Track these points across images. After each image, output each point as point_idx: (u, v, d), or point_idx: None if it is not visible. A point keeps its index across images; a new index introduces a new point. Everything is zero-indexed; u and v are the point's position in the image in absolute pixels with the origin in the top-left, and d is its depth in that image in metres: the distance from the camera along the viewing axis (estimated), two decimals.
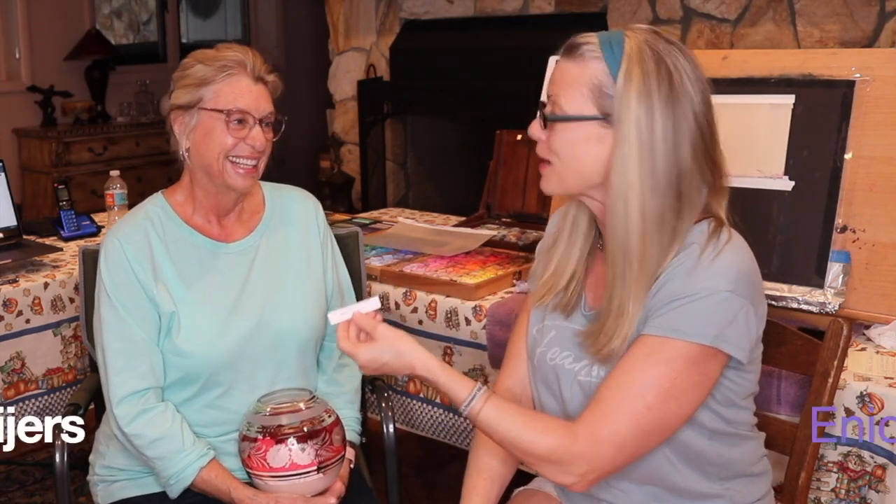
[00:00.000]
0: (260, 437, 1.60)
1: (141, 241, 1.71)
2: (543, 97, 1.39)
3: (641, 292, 1.32)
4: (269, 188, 1.86)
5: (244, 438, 1.63)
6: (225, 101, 1.66)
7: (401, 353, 1.41)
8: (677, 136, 1.30)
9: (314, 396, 1.69)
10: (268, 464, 1.58)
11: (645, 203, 1.30)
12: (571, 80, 1.34)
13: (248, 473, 1.64)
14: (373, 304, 1.46)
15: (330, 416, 1.65)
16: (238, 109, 1.66)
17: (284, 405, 1.63)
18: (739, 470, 1.43)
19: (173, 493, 1.67)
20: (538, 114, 1.38)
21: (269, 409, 1.63)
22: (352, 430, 1.80)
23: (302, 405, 1.63)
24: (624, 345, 1.33)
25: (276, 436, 1.59)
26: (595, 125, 1.33)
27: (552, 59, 2.22)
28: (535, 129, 1.39)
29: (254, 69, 1.69)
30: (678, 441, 1.37)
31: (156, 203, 1.77)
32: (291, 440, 1.58)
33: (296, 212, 1.84)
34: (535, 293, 1.51)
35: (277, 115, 1.72)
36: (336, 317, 1.46)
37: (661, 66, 1.31)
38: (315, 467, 1.59)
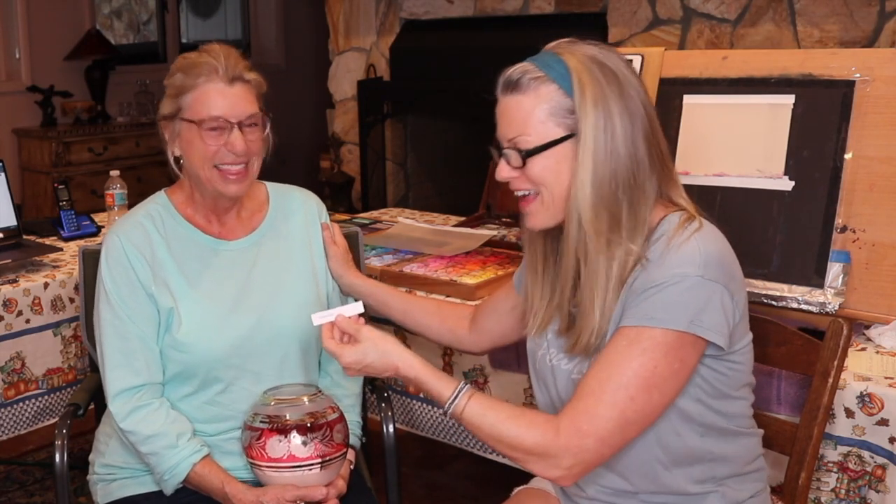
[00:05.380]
0: (262, 427, 1.60)
1: (141, 239, 1.71)
2: (502, 139, 1.40)
3: (602, 289, 1.35)
4: (273, 188, 1.86)
5: (247, 428, 1.64)
6: (197, 111, 1.65)
7: (384, 352, 1.45)
8: (634, 130, 1.35)
9: (320, 391, 1.70)
10: (267, 454, 1.59)
11: (599, 205, 1.34)
12: (529, 110, 1.36)
13: (249, 464, 1.65)
14: (357, 308, 1.53)
15: (334, 413, 1.65)
16: (211, 117, 1.64)
17: (289, 398, 1.65)
18: (732, 469, 1.43)
19: (168, 489, 1.67)
20: (501, 156, 1.40)
21: (273, 401, 1.64)
22: (353, 434, 1.79)
23: (306, 399, 1.64)
24: (593, 338, 1.36)
25: (279, 427, 1.59)
26: (566, 145, 1.35)
27: None
28: (505, 170, 1.41)
29: (227, 71, 1.64)
30: (669, 439, 1.38)
31: (158, 201, 1.78)
32: (293, 432, 1.59)
33: (298, 212, 1.85)
34: (535, 326, 1.51)
35: (264, 113, 1.70)
36: (319, 318, 1.52)
37: (604, 68, 1.35)
38: (315, 461, 1.59)
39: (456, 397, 1.38)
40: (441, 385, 1.41)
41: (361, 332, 1.48)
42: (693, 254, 1.31)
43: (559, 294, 1.45)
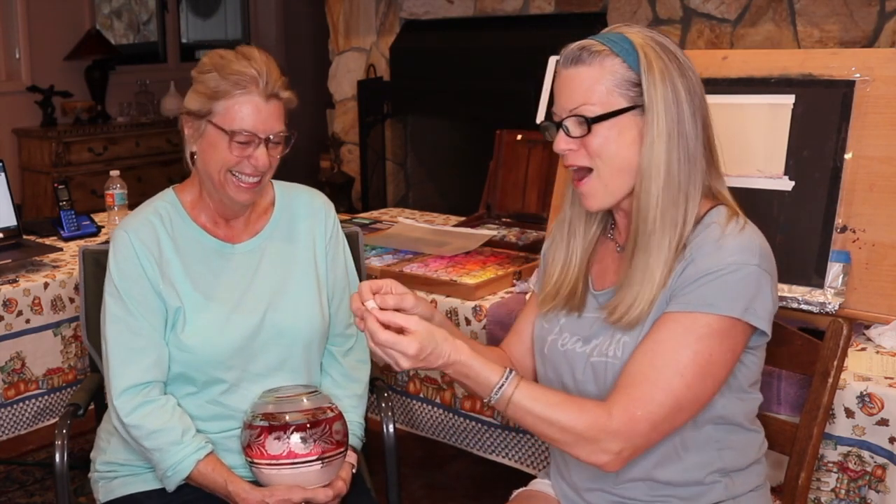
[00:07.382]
0: (261, 425, 1.61)
1: (149, 236, 1.71)
2: (562, 111, 1.40)
3: (663, 257, 1.37)
4: (280, 188, 1.86)
5: (246, 427, 1.65)
6: (231, 121, 1.64)
7: (443, 338, 1.35)
8: (694, 109, 1.38)
9: (318, 391, 1.72)
10: (266, 452, 1.60)
11: (669, 178, 1.36)
12: (593, 81, 1.37)
13: (248, 463, 1.65)
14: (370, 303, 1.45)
15: (332, 411, 1.66)
16: (243, 131, 1.63)
17: (288, 397, 1.66)
18: (738, 462, 1.44)
19: (170, 485, 1.67)
20: (558, 129, 1.40)
21: (272, 400, 1.66)
22: (354, 435, 1.79)
23: (304, 398, 1.66)
24: (650, 308, 1.37)
25: (277, 424, 1.60)
26: (629, 117, 1.37)
27: (552, 59, 2.22)
28: (563, 141, 1.40)
29: (266, 86, 1.64)
30: (685, 427, 1.39)
31: (166, 199, 1.78)
32: (291, 429, 1.60)
33: (304, 213, 1.84)
34: (543, 302, 1.53)
35: (288, 131, 1.70)
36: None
37: (665, 50, 1.39)
38: (315, 458, 1.60)
39: (504, 383, 1.35)
40: (488, 371, 1.36)
41: (412, 322, 1.34)
42: (750, 244, 1.35)
43: (576, 267, 1.48)
